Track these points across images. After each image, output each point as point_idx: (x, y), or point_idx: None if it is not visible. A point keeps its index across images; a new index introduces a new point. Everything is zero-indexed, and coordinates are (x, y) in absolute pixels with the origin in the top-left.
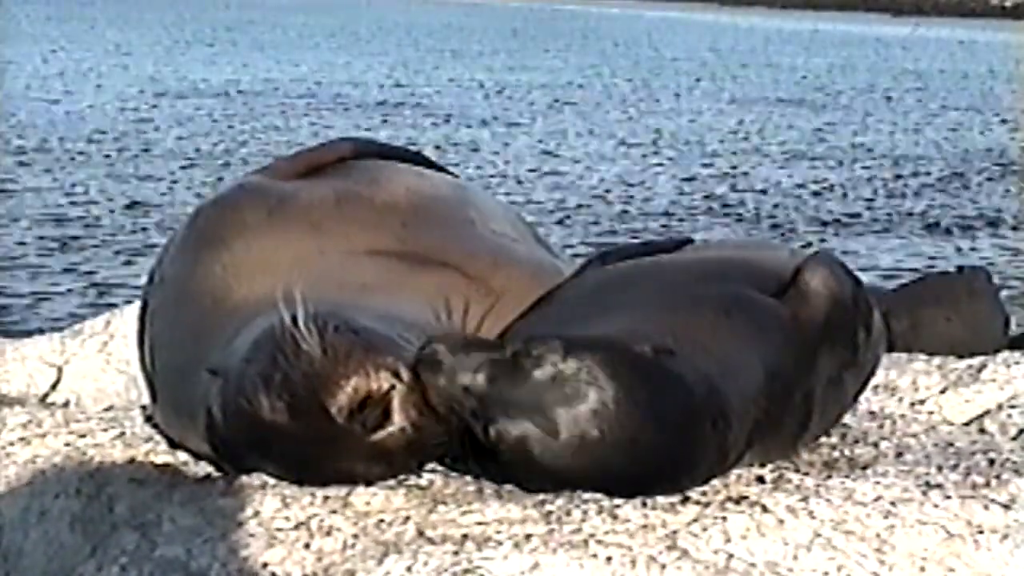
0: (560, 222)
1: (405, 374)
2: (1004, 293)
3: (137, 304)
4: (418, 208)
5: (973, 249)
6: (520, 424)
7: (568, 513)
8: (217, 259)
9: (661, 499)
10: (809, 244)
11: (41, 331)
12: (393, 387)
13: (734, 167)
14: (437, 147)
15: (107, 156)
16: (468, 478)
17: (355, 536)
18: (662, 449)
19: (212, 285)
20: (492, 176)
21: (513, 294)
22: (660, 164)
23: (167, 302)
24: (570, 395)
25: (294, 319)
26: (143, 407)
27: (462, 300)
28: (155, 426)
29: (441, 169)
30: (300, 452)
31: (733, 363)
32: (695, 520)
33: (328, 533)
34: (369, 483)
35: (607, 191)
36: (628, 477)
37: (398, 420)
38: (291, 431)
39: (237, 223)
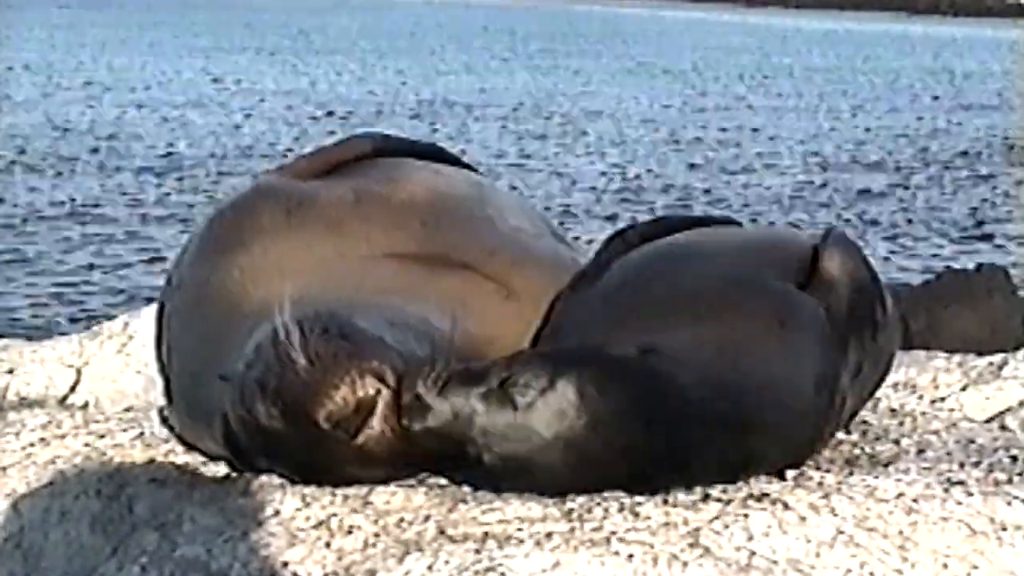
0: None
1: (391, 378)
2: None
3: (155, 306)
4: (436, 207)
5: (995, 248)
6: (512, 452)
7: (589, 511)
8: (234, 263)
9: (682, 496)
10: None
11: (60, 333)
12: (379, 392)
13: (747, 168)
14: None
15: (127, 159)
16: None
17: (376, 535)
18: (663, 452)
19: (229, 289)
20: (517, 173)
21: (532, 293)
22: (687, 164)
23: (184, 306)
24: (556, 417)
25: (286, 325)
26: (160, 409)
27: (480, 301)
28: (171, 428)
29: (461, 163)
30: (298, 456)
31: (778, 372)
32: (717, 518)
33: (349, 532)
34: (374, 483)
35: (640, 188)
36: (628, 484)
37: (378, 425)
38: (287, 437)
39: (255, 226)
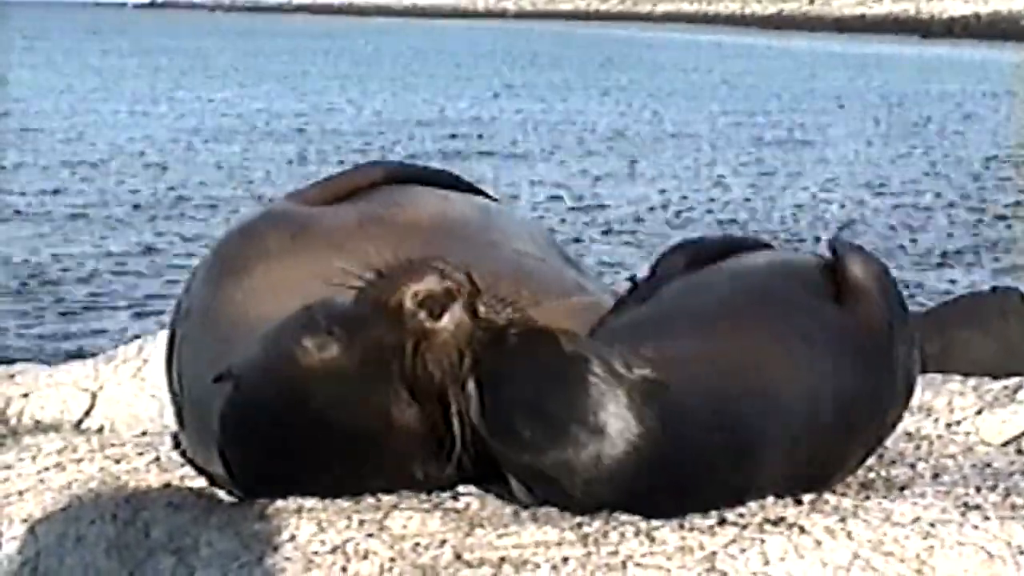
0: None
1: (467, 285)
2: None
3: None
4: (440, 229)
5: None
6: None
7: (605, 535)
8: (239, 287)
9: (699, 521)
10: None
11: (75, 357)
12: (459, 288)
13: (771, 196)
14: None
15: (141, 184)
16: (505, 500)
17: (392, 559)
18: (664, 470)
19: (233, 313)
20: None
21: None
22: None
23: (192, 331)
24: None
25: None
26: (173, 434)
27: None
28: (183, 453)
29: (473, 189)
30: (342, 397)
31: (793, 398)
32: (733, 542)
33: (364, 557)
34: (407, 429)
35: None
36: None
37: (458, 312)
38: (339, 365)
39: (260, 250)
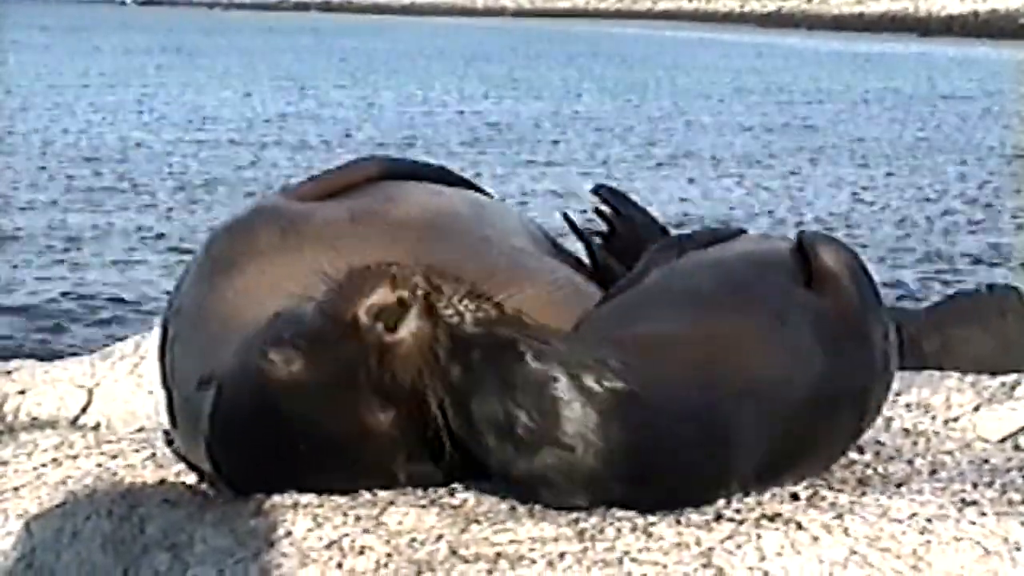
0: None
1: (423, 284)
2: None
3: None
4: (433, 225)
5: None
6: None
7: (602, 531)
8: (230, 284)
9: (695, 516)
10: None
11: (72, 354)
12: (415, 292)
13: (769, 187)
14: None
15: (143, 181)
16: (501, 496)
17: (388, 555)
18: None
19: (224, 310)
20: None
21: (526, 312)
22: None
23: (183, 329)
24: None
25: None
26: (166, 431)
27: None
28: (176, 450)
29: (468, 184)
30: (316, 406)
31: (766, 381)
32: (729, 537)
33: (360, 552)
34: (384, 431)
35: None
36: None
37: (414, 323)
38: (307, 377)
39: (250, 247)
